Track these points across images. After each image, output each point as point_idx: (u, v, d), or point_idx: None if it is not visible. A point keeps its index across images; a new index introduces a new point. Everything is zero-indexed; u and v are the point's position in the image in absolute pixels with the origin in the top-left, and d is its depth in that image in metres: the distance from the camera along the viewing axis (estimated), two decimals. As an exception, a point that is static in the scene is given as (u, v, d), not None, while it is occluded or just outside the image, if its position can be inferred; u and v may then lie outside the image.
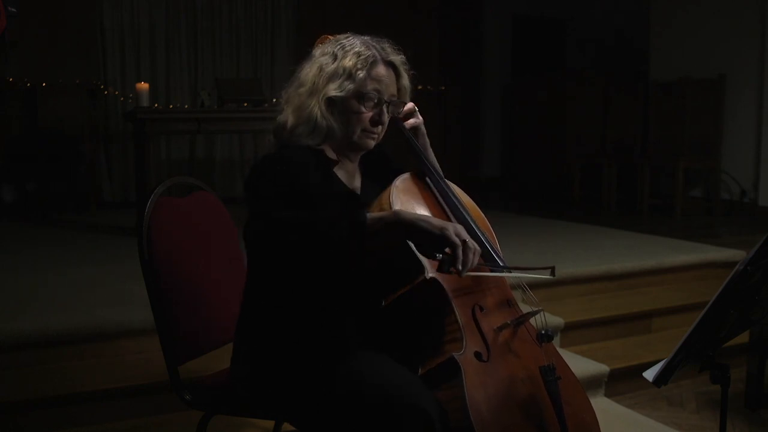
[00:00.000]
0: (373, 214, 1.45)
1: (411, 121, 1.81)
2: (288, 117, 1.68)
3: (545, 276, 1.67)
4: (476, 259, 1.45)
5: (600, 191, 6.65)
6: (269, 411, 1.73)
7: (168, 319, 1.76)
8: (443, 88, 7.94)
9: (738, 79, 6.03)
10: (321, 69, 1.67)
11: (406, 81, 1.73)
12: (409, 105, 1.79)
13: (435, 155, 1.88)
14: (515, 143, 8.25)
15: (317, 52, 1.72)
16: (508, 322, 1.65)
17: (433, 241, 1.43)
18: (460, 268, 1.42)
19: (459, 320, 1.59)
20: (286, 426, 2.06)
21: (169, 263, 1.78)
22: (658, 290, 3.88)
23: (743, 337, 2.87)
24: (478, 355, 1.57)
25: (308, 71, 1.69)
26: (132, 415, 2.52)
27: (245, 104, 5.02)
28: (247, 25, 7.29)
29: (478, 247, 1.45)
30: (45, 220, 5.69)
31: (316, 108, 1.64)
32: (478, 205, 1.87)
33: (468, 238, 1.44)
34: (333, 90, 1.64)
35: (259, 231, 1.50)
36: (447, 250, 1.42)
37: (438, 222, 1.44)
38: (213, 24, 7.14)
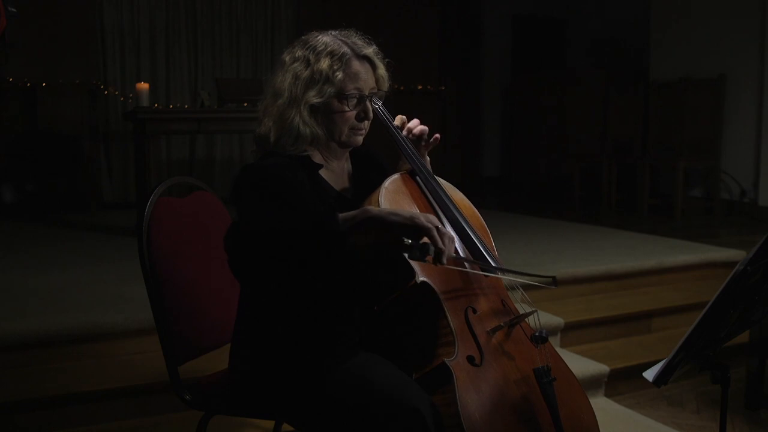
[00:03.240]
0: (344, 215, 1.43)
1: (418, 129, 1.81)
2: (270, 129, 1.64)
3: (545, 285, 1.67)
4: (452, 247, 1.42)
5: (600, 191, 6.65)
6: (269, 411, 1.73)
7: (168, 319, 1.76)
8: (443, 87, 7.93)
9: (738, 79, 6.03)
10: (296, 77, 1.63)
11: (382, 71, 1.71)
12: (418, 126, 1.80)
13: (435, 155, 1.87)
14: (515, 143, 8.25)
15: (287, 58, 1.67)
16: (502, 324, 1.63)
17: (406, 232, 1.39)
18: (441, 247, 1.38)
19: (451, 324, 1.57)
20: (286, 426, 2.06)
21: (168, 263, 1.78)
22: (658, 290, 3.88)
23: (743, 337, 2.87)
24: (470, 359, 1.55)
25: (282, 80, 1.65)
26: (132, 415, 2.52)
27: (245, 104, 5.02)
28: (247, 25, 7.29)
29: (452, 234, 1.44)
30: (45, 220, 5.69)
31: (297, 117, 1.62)
32: (477, 205, 1.86)
33: (440, 225, 1.42)
34: (313, 97, 1.61)
35: (240, 243, 1.49)
36: (424, 239, 1.39)
37: (407, 212, 1.43)
38: (213, 24, 7.15)
